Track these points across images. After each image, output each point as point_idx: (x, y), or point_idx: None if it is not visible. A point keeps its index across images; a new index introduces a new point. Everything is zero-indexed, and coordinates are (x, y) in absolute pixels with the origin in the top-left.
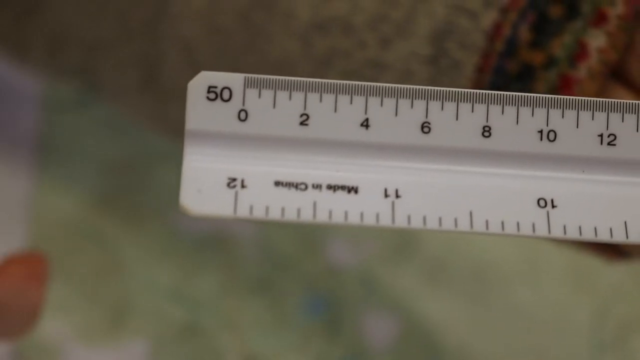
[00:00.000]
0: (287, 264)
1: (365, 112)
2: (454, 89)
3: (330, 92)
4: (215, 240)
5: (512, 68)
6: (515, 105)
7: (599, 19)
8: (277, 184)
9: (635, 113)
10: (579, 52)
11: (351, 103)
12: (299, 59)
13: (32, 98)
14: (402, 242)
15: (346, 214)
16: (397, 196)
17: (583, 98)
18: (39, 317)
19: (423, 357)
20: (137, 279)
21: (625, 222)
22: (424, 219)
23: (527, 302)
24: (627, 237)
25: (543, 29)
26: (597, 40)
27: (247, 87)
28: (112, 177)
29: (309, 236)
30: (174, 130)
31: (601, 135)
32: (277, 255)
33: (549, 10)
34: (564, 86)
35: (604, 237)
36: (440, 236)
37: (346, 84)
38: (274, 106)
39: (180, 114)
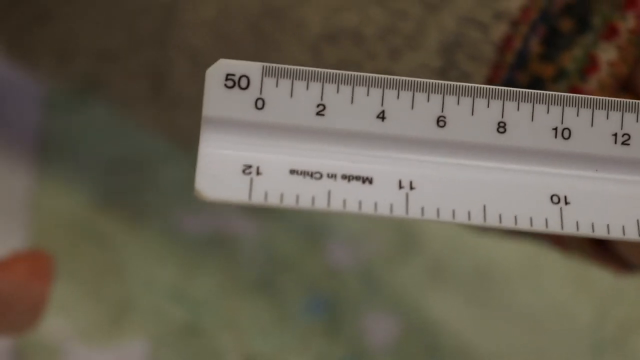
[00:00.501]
0: (288, 264)
1: (382, 104)
2: (470, 84)
3: (348, 83)
4: (216, 240)
5: (522, 80)
6: (530, 102)
7: (610, 32)
8: (293, 172)
9: None
10: (589, 65)
11: (368, 95)
12: None
13: (34, 98)
14: (403, 242)
15: (360, 203)
16: (412, 188)
17: (598, 97)
18: (43, 315)
19: (423, 357)
20: (138, 279)
21: (638, 221)
22: (438, 210)
23: (528, 303)
24: (639, 235)
25: (554, 42)
26: (607, 54)
27: (265, 76)
28: (113, 177)
29: (309, 236)
30: (182, 138)
31: (615, 135)
32: (277, 255)
33: (559, 23)
34: None
35: (616, 234)
36: (441, 236)
37: (363, 75)
38: (291, 96)
39: (188, 122)
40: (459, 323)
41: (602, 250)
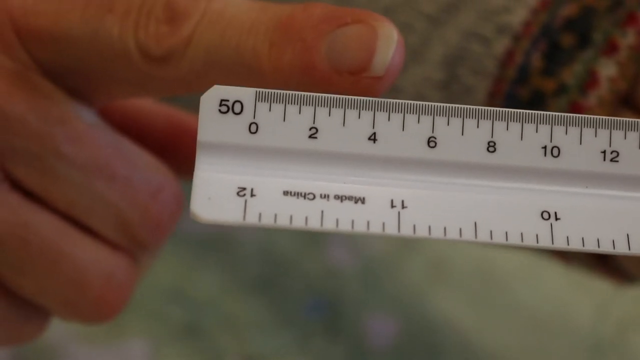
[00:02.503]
0: (288, 264)
1: (373, 127)
2: (459, 105)
3: (339, 106)
4: (216, 241)
5: (523, 94)
6: (519, 121)
7: (610, 48)
8: (286, 193)
9: (637, 130)
10: (589, 81)
11: (359, 117)
12: None
13: None
14: (403, 242)
15: (353, 222)
16: (404, 207)
17: (586, 116)
18: None
19: (423, 357)
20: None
21: (627, 235)
22: (429, 228)
23: (528, 302)
24: (629, 248)
25: (554, 57)
26: (607, 70)
27: (258, 100)
28: None
29: (310, 236)
30: None
31: (604, 152)
32: (277, 256)
33: (560, 38)
34: (574, 113)
35: (606, 248)
36: None
37: (354, 99)
38: (284, 119)
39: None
40: (459, 323)
41: (603, 262)
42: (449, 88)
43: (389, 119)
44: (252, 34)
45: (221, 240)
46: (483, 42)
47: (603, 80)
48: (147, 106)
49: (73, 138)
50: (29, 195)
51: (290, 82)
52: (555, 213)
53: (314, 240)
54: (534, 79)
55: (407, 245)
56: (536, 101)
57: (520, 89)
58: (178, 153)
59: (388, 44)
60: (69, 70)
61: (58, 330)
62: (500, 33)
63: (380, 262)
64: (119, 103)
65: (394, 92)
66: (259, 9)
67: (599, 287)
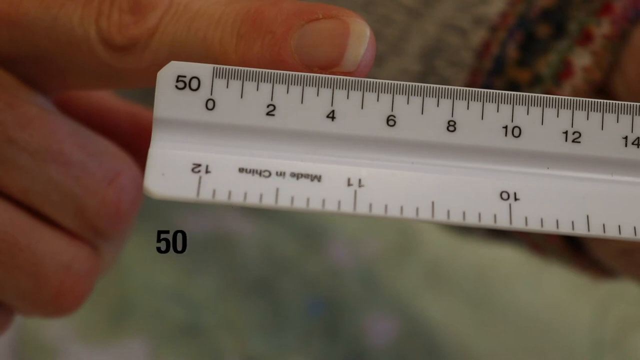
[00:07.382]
0: (288, 264)
1: (332, 104)
2: (419, 84)
3: (297, 84)
4: (215, 241)
5: (499, 86)
6: (480, 101)
7: (585, 38)
8: (241, 170)
9: (599, 111)
10: (563, 71)
11: (318, 95)
12: None
13: None
14: (403, 243)
15: (308, 200)
16: (360, 185)
17: (548, 96)
18: None
19: (423, 357)
20: (138, 280)
21: (587, 216)
22: (385, 207)
23: (528, 302)
24: (588, 230)
25: (530, 48)
26: (582, 59)
27: (216, 77)
28: None
29: (309, 237)
30: None
31: (566, 133)
32: (277, 256)
33: (537, 29)
34: None
35: (565, 229)
36: (441, 236)
37: (313, 76)
38: (242, 96)
39: None
40: (458, 323)
41: (580, 256)
42: (427, 80)
43: (348, 97)
44: (220, 26)
45: (221, 241)
46: (460, 33)
47: (577, 70)
48: (111, 104)
49: (23, 123)
50: None
51: None
52: (515, 193)
53: (314, 240)
54: (509, 70)
55: (406, 246)
56: None
57: (496, 80)
58: (141, 151)
59: (360, 40)
60: (22, 57)
61: (58, 330)
62: (477, 24)
63: (379, 262)
64: (82, 100)
65: None
66: (226, 2)
67: (599, 286)
